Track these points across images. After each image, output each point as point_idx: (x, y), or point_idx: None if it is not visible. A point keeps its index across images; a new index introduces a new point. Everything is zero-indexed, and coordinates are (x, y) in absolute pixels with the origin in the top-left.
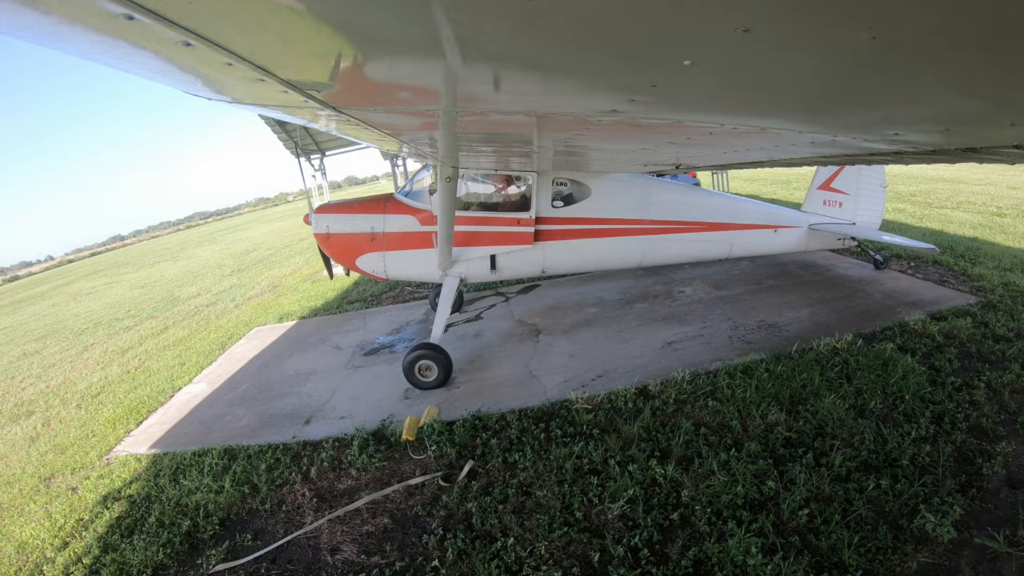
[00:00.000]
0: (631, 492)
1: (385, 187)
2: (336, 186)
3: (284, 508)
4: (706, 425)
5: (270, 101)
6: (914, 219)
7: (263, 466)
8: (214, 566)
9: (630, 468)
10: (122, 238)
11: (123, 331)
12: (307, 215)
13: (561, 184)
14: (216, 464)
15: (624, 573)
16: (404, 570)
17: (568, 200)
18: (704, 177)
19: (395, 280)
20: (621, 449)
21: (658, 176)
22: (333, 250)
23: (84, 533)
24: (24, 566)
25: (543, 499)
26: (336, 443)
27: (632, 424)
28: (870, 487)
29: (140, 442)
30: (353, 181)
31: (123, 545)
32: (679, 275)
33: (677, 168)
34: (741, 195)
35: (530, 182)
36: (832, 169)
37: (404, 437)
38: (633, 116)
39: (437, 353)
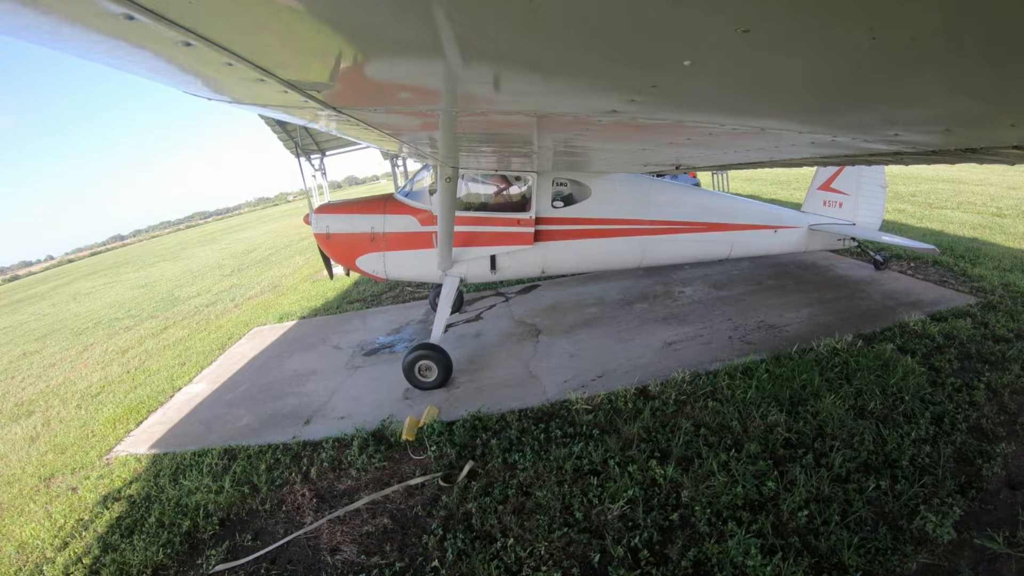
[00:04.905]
0: (631, 493)
1: (385, 187)
2: (336, 186)
3: (284, 508)
4: (706, 426)
5: (270, 101)
6: (914, 219)
7: (263, 466)
8: (214, 566)
9: (630, 469)
10: (122, 238)
11: (123, 331)
12: (307, 215)
13: (561, 184)
14: (216, 464)
15: (624, 574)
16: (404, 570)
17: (568, 200)
18: (704, 177)
19: (395, 280)
20: (621, 450)
21: (658, 176)
22: (333, 250)
23: (84, 533)
24: (24, 566)
25: (543, 499)
26: (336, 443)
27: (632, 424)
28: (870, 488)
29: (140, 442)
30: (353, 181)
31: (123, 545)
32: (679, 275)
33: (677, 168)
34: (741, 195)
35: (530, 182)
36: (832, 169)
37: (404, 437)
38: (633, 116)
39: (437, 353)
